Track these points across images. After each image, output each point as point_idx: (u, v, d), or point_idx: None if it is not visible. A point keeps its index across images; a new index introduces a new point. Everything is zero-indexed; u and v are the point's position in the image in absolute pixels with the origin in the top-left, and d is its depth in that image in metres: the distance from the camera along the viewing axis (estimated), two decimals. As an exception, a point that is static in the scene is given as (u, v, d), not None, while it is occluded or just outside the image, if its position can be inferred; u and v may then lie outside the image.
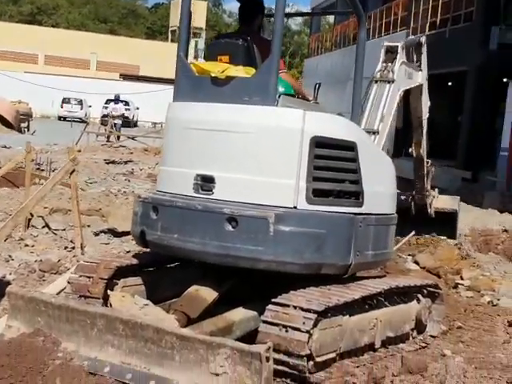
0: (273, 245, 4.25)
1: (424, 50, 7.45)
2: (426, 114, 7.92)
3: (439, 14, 18.73)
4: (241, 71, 4.61)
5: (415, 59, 7.39)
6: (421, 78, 7.27)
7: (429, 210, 8.66)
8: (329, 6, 32.02)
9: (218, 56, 4.80)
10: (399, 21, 21.73)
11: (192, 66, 4.81)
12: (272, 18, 4.88)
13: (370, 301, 4.56)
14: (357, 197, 4.66)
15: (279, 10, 4.43)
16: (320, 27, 37.58)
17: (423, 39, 7.55)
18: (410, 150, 8.25)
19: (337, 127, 4.68)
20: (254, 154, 4.41)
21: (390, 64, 6.60)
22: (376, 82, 6.42)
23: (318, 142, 4.43)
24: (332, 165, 4.53)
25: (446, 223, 8.92)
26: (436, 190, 9.08)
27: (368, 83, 6.30)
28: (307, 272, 4.41)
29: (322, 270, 4.45)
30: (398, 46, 6.71)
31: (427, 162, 8.41)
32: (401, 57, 6.70)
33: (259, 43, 4.83)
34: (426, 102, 7.83)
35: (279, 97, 4.54)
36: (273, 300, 4.12)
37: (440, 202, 8.95)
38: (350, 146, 4.63)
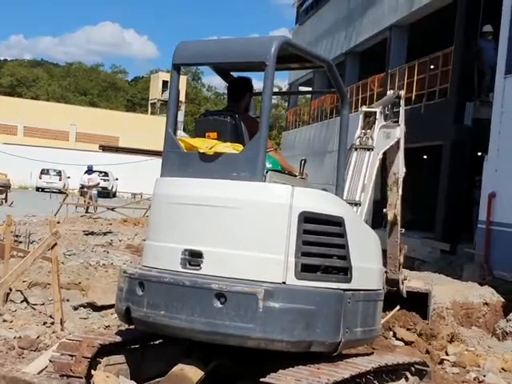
0: (262, 322, 4.21)
1: (402, 103, 7.50)
2: (402, 171, 7.73)
3: (414, 90, 19.24)
4: (229, 147, 4.68)
5: (392, 115, 7.41)
6: (398, 132, 7.19)
7: (400, 287, 8.18)
8: (306, 81, 32.80)
9: (206, 132, 4.88)
10: (375, 96, 22.27)
11: (180, 142, 4.87)
12: (258, 96, 4.99)
13: (359, 379, 4.49)
14: (345, 272, 4.66)
15: (267, 90, 4.53)
16: (297, 101, 38.35)
17: (402, 93, 7.63)
18: (384, 210, 7.91)
19: (324, 202, 4.72)
20: (242, 229, 4.42)
21: (368, 130, 6.68)
22: (356, 149, 6.50)
23: (307, 218, 4.46)
24: (320, 240, 4.55)
25: (418, 302, 8.45)
26: (406, 272, 8.73)
27: (347, 151, 6.36)
28: (297, 350, 4.36)
29: (311, 348, 4.40)
30: (376, 112, 6.81)
31: (401, 231, 8.05)
32: (379, 122, 6.78)
33: (246, 121, 4.93)
34: (402, 158, 7.69)
35: (267, 172, 4.59)
36: (261, 380, 4.05)
37: (413, 282, 8.71)
38: (338, 222, 4.66)
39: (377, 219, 20.62)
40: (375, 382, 4.67)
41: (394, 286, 8.09)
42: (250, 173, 4.49)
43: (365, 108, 6.97)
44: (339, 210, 4.77)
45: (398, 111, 7.41)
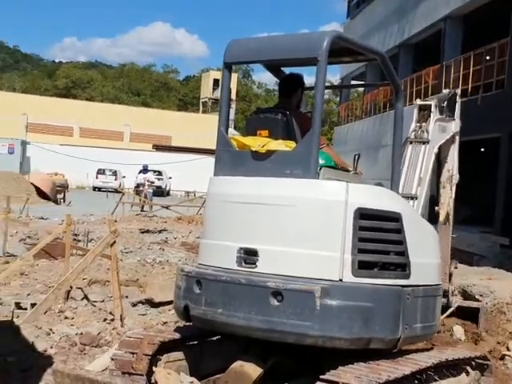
0: (319, 319, 4.19)
1: (458, 99, 7.33)
2: (456, 168, 7.40)
3: (470, 82, 18.86)
4: (281, 145, 4.66)
5: (447, 110, 7.25)
6: (454, 126, 7.01)
7: (450, 299, 7.35)
8: (358, 74, 32.49)
9: (258, 130, 4.85)
10: (430, 88, 21.91)
11: (232, 141, 4.88)
12: (309, 91, 4.96)
13: (419, 375, 4.43)
14: (403, 268, 4.59)
15: (319, 85, 4.50)
16: (349, 96, 38.05)
17: (458, 91, 7.46)
18: (436, 208, 7.40)
19: (380, 198, 4.66)
20: (297, 227, 4.40)
21: (423, 124, 6.56)
22: (411, 142, 6.38)
23: (363, 214, 4.41)
24: (377, 236, 4.49)
25: (469, 315, 7.98)
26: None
27: (402, 144, 6.25)
28: (355, 347, 4.32)
29: (370, 345, 4.35)
30: (431, 105, 6.68)
31: (453, 237, 7.50)
32: (435, 115, 6.65)
33: (298, 117, 4.90)
34: (456, 156, 7.33)
35: (320, 169, 4.57)
36: (321, 377, 4.03)
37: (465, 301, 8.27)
38: (395, 217, 4.60)
39: (433, 214, 20.34)
40: (436, 377, 4.59)
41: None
42: (303, 170, 4.46)
43: (419, 101, 6.84)
44: (396, 205, 4.70)
45: (454, 107, 7.25)
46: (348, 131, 32.80)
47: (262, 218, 4.49)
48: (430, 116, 6.59)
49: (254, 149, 4.65)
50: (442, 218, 7.25)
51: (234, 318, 4.38)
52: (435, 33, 22.43)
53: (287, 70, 5.46)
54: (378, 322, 4.35)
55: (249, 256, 4.48)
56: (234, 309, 4.38)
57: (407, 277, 4.60)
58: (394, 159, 5.46)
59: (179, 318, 5.15)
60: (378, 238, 4.50)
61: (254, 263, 4.45)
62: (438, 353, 4.94)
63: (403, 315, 4.48)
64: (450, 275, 7.54)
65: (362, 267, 4.38)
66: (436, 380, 4.61)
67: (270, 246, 4.43)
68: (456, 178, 7.37)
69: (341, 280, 4.31)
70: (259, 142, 4.67)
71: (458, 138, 7.20)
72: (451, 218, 7.38)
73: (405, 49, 26.11)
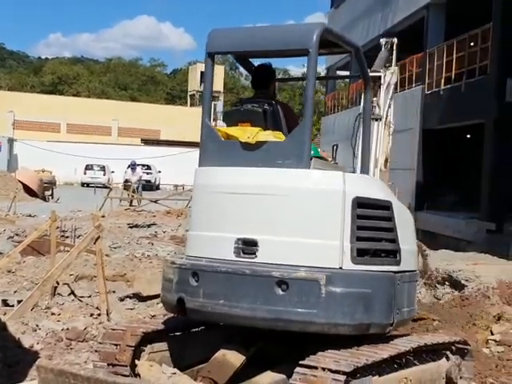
0: (325, 307, 4.28)
1: (395, 47, 7.27)
2: (392, 116, 7.27)
3: (454, 69, 18.93)
4: (270, 135, 4.69)
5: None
6: (389, 76, 7.03)
7: None
8: (344, 64, 32.51)
9: (239, 123, 4.85)
10: (414, 77, 21.97)
11: (218, 131, 4.87)
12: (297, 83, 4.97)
13: (399, 360, 4.51)
14: (395, 255, 4.73)
15: (310, 76, 4.56)
16: (335, 86, 38.07)
17: (395, 40, 7.39)
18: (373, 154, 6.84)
19: (373, 187, 4.80)
20: (297, 217, 4.45)
21: (374, 98, 6.55)
22: (375, 120, 6.37)
23: (360, 203, 4.52)
24: (373, 224, 4.61)
25: None
26: None
27: (355, 120, 6.22)
28: (357, 333, 4.44)
29: (369, 331, 4.48)
30: (380, 76, 6.65)
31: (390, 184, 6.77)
32: (384, 86, 6.64)
33: (282, 108, 4.94)
34: (389, 102, 7.27)
35: (311, 159, 4.61)
36: (301, 362, 4.10)
37: None
38: (387, 206, 4.73)
39: (420, 201, 20.31)
40: (416, 362, 4.67)
41: None
42: (295, 160, 4.50)
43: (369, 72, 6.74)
44: (385, 194, 4.84)
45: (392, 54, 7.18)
46: (335, 121, 32.83)
47: (259, 208, 4.51)
48: (380, 88, 6.61)
49: (243, 140, 4.67)
50: (381, 163, 7.22)
51: (236, 308, 4.38)
52: (418, 21, 22.47)
53: (256, 62, 5.44)
54: (377, 308, 4.48)
55: (247, 246, 4.49)
56: (237, 299, 4.38)
57: (398, 263, 4.74)
58: (364, 148, 5.51)
59: (169, 312, 5.10)
60: (373, 226, 4.61)
61: (254, 253, 4.47)
62: (417, 338, 5.03)
63: (395, 300, 4.62)
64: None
65: (360, 255, 4.49)
66: (416, 364, 4.69)
67: (270, 236, 4.45)
68: (392, 124, 7.34)
69: (341, 268, 4.41)
70: (248, 134, 4.69)
71: (393, 86, 7.19)
72: (389, 163, 7.41)
73: (388, 37, 26.15)
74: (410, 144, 20.78)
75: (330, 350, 4.23)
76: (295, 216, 4.45)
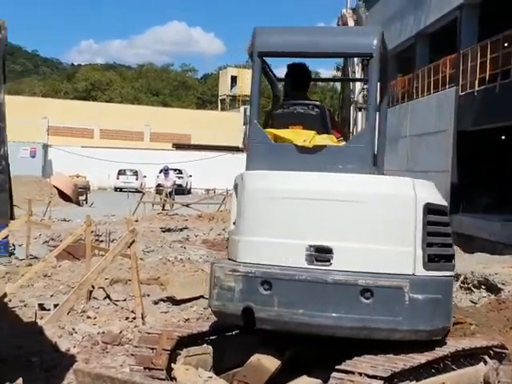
0: (409, 314, 4.30)
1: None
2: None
3: (488, 70, 18.68)
4: (327, 139, 4.67)
5: None
6: None
7: None
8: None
9: (290, 126, 4.79)
10: (448, 78, 21.74)
11: (268, 134, 4.76)
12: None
13: (436, 364, 4.46)
14: (451, 260, 4.75)
15: (373, 80, 4.59)
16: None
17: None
18: None
19: (435, 192, 4.77)
20: (371, 223, 4.41)
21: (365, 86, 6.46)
22: (360, 109, 6.29)
23: (429, 209, 4.52)
24: (438, 230, 4.61)
25: None
26: None
27: (350, 106, 6.14)
28: (434, 338, 4.48)
29: (438, 335, 4.53)
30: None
31: None
32: None
33: (326, 111, 4.94)
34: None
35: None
36: (337, 367, 4.07)
37: None
38: (445, 211, 4.76)
39: (456, 203, 19.93)
40: (453, 366, 4.62)
41: None
42: (358, 165, 4.49)
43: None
44: (442, 198, 4.82)
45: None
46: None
47: (331, 214, 4.42)
48: None
49: (299, 143, 4.61)
50: None
51: (317, 318, 4.30)
52: (451, 22, 22.25)
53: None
54: (445, 313, 4.54)
55: (321, 254, 4.40)
56: (318, 308, 4.31)
57: (454, 268, 4.79)
58: (379, 148, 5.42)
59: (226, 321, 4.81)
60: (439, 232, 4.62)
61: (329, 261, 4.39)
62: (454, 342, 4.95)
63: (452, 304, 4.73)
64: None
65: (429, 260, 4.49)
66: (453, 369, 4.64)
67: (345, 243, 4.39)
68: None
69: (413, 274, 4.40)
70: (304, 137, 4.64)
71: None
72: None
73: (421, 38, 25.90)
74: (444, 146, 20.56)
75: (366, 355, 4.20)
76: (369, 222, 4.40)
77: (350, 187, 4.46)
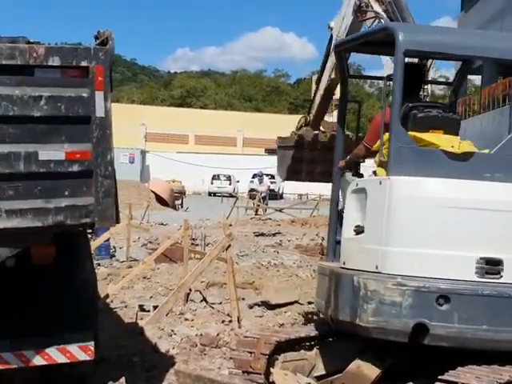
0: None
1: None
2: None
3: None
4: (471, 146, 4.61)
5: None
6: None
7: None
8: (477, 67, 31.34)
9: (431, 129, 4.67)
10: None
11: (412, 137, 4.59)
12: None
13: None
14: None
15: None
16: (467, 90, 36.82)
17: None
18: None
19: None
20: None
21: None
22: None
23: None
24: None
25: None
26: None
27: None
28: None
29: None
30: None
31: None
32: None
33: None
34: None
35: None
36: (439, 377, 3.97)
37: None
38: None
39: None
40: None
41: None
42: (507, 173, 4.43)
43: None
44: None
45: None
46: (465, 127, 31.72)
47: (503, 225, 4.37)
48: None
49: (448, 149, 4.49)
50: None
51: (504, 333, 4.26)
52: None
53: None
54: None
55: (492, 266, 4.33)
56: (503, 324, 4.26)
57: None
58: None
59: (389, 338, 4.39)
60: None
61: (498, 273, 4.33)
62: None
63: None
64: None
65: None
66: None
67: None
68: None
69: None
70: (451, 143, 4.54)
71: None
72: None
73: (523, 39, 24.99)
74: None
75: (470, 366, 4.07)
76: None
77: None
